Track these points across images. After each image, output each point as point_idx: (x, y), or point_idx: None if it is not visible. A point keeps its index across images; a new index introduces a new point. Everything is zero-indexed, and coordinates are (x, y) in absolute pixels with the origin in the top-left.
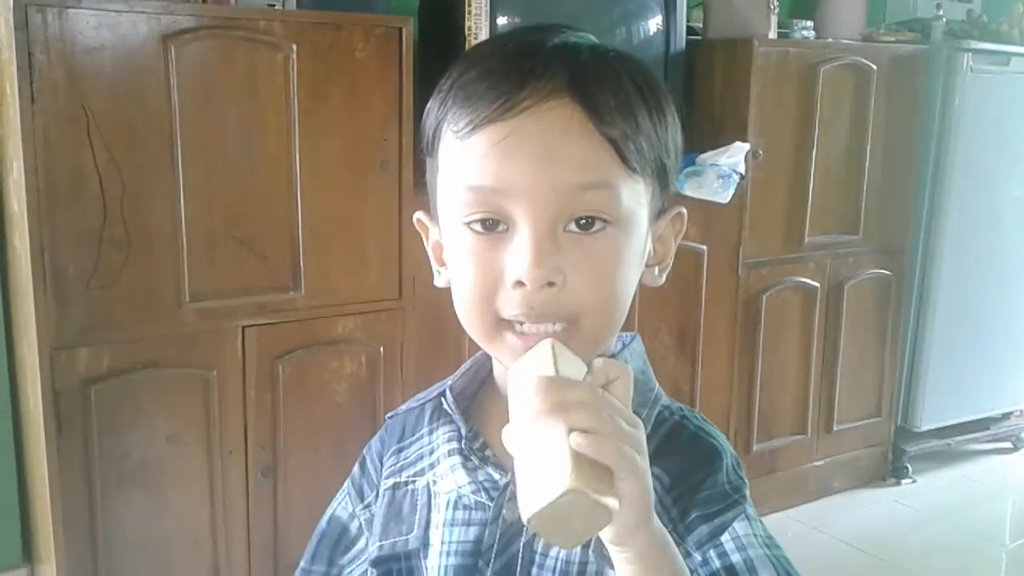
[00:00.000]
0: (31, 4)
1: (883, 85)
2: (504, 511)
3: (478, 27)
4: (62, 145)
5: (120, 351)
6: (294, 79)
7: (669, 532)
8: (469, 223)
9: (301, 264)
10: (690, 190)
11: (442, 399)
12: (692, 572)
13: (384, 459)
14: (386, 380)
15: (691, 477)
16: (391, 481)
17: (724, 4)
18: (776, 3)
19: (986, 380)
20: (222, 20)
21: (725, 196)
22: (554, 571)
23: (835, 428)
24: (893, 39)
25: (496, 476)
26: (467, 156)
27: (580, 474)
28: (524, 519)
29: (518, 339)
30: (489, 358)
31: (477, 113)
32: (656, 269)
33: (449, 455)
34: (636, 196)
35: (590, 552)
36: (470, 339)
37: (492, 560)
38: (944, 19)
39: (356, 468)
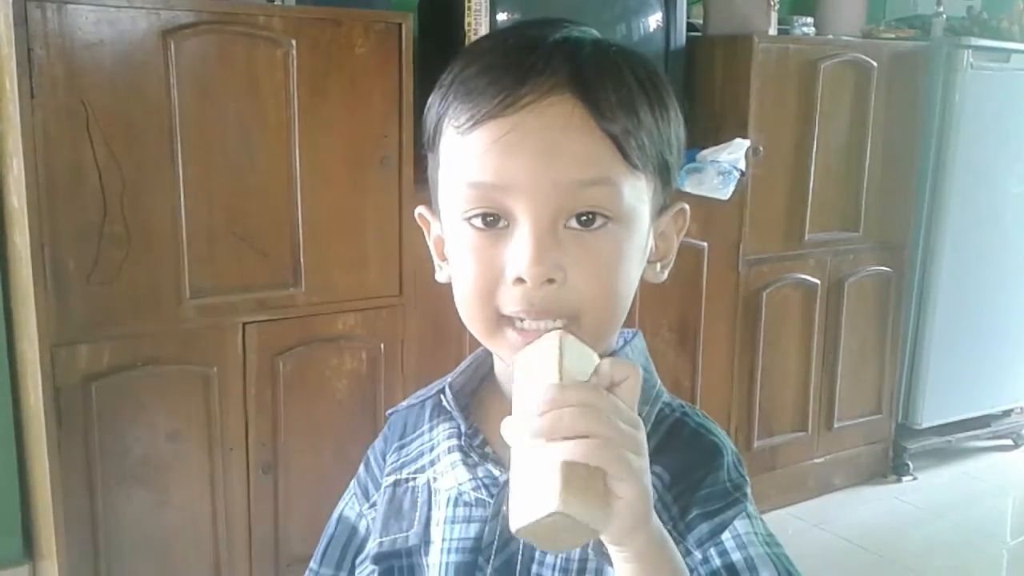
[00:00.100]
0: (30, 0)
1: (883, 82)
2: (504, 508)
3: (478, 23)
4: (62, 141)
5: (120, 347)
6: (294, 75)
7: (669, 530)
8: (470, 219)
9: (301, 260)
10: (690, 187)
11: (441, 396)
12: (692, 570)
13: (387, 456)
14: (387, 377)
15: (692, 475)
16: (392, 478)
17: (724, 1)
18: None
19: (987, 377)
20: (221, 15)
21: (725, 193)
22: (554, 568)
23: (836, 425)
24: (893, 36)
25: (496, 473)
26: (468, 152)
27: (570, 489)
28: (512, 529)
29: (518, 335)
30: (489, 354)
31: (478, 109)
32: (658, 265)
33: (449, 452)
34: (638, 192)
35: (590, 550)
36: (471, 335)
37: (492, 557)
38: (944, 16)
39: (361, 468)
